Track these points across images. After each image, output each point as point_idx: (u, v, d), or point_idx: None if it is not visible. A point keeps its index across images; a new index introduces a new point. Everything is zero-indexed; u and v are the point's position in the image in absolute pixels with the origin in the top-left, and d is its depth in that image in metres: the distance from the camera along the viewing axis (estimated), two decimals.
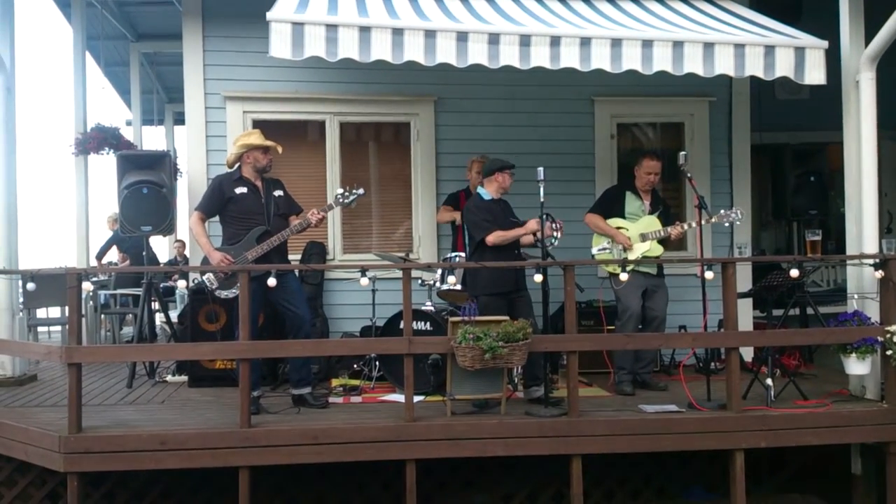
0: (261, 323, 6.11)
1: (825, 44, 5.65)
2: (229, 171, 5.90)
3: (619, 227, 6.28)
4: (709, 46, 5.51)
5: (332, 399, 6.05)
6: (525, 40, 5.36)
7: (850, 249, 5.88)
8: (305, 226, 5.74)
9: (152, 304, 7.43)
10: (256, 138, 5.79)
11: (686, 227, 6.23)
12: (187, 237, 7.18)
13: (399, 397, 5.81)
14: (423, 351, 5.57)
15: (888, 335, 5.32)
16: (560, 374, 6.46)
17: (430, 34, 5.29)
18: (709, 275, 5.40)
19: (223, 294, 5.71)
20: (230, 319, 6.14)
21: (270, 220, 5.74)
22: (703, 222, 5.82)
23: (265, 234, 5.68)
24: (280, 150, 5.91)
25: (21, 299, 7.36)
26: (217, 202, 5.79)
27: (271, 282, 5.24)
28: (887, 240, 5.69)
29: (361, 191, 5.82)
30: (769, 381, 5.54)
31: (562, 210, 6.73)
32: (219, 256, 5.62)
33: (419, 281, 6.59)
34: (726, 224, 6.27)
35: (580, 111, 7.78)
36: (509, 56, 5.36)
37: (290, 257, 6.32)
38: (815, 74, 5.60)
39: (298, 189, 6.51)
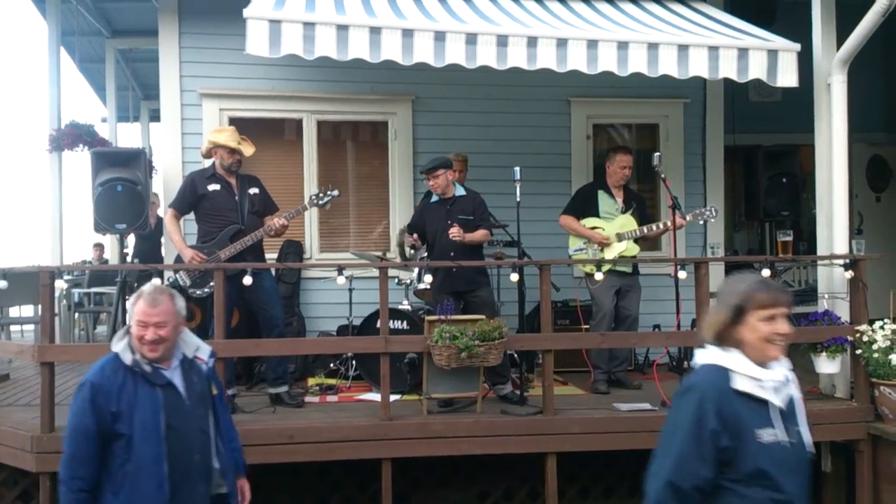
0: (236, 322, 6.08)
1: (797, 47, 5.72)
2: (203, 167, 5.86)
3: (594, 227, 6.30)
4: (683, 48, 5.56)
5: (308, 398, 6.04)
6: (502, 40, 5.38)
7: (821, 250, 5.95)
8: (281, 230, 5.71)
9: (127, 302, 7.36)
10: (226, 137, 5.72)
11: (662, 226, 6.27)
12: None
13: (375, 396, 5.81)
14: (399, 350, 5.58)
15: (858, 335, 5.40)
16: (536, 372, 6.50)
17: (407, 33, 5.29)
18: (682, 274, 5.45)
19: (196, 293, 5.67)
20: (204, 318, 6.11)
21: (244, 218, 5.70)
22: (678, 224, 5.86)
23: (239, 233, 5.64)
24: (248, 153, 5.79)
25: None
26: (189, 199, 5.75)
27: (247, 280, 5.20)
28: (857, 241, 5.77)
29: (336, 192, 5.80)
30: None
31: (538, 210, 6.80)
32: (190, 254, 5.59)
33: (396, 280, 6.59)
34: (701, 222, 6.33)
35: (556, 112, 7.81)
36: (486, 56, 5.37)
37: (267, 256, 6.29)
38: (787, 77, 5.67)
39: (275, 187, 6.48)
